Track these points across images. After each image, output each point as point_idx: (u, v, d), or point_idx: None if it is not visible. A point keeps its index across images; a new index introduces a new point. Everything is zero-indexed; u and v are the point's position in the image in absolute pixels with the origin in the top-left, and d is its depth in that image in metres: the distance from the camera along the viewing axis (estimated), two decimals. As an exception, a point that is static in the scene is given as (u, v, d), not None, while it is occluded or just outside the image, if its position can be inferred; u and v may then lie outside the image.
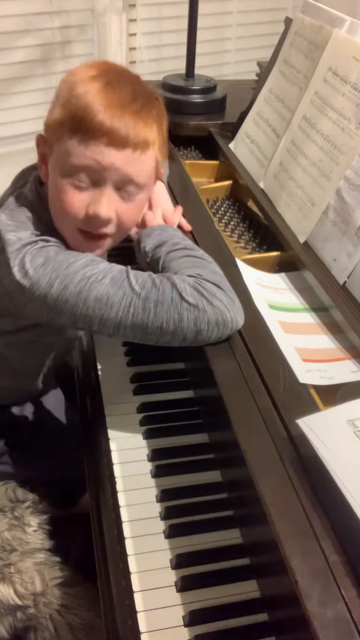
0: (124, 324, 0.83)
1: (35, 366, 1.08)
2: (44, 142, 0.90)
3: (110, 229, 0.88)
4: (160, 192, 1.08)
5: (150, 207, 1.03)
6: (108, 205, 0.85)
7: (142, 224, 1.01)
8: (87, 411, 1.05)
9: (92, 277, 0.82)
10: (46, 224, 0.90)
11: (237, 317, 0.84)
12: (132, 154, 0.83)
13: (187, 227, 1.08)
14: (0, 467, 1.10)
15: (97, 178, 0.84)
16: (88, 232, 0.88)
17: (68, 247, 0.90)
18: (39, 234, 0.87)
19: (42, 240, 0.86)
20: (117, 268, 0.85)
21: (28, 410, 1.16)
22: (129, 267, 0.86)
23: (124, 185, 0.86)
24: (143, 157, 0.85)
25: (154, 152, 0.87)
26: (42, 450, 1.15)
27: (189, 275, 0.84)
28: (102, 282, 0.82)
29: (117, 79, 0.86)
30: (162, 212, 1.04)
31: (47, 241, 0.86)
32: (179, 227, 1.06)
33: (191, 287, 0.82)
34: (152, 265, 0.93)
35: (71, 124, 0.83)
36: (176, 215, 1.06)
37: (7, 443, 1.12)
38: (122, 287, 0.82)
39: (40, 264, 0.82)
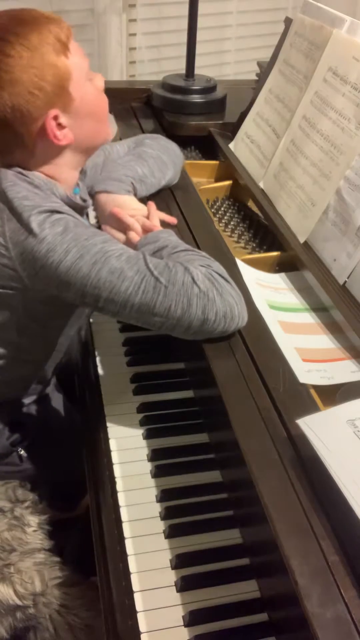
0: (132, 301, 0.83)
1: (44, 354, 1.08)
2: (54, 109, 0.88)
3: None
4: (127, 204, 1.07)
5: (127, 227, 1.03)
6: None
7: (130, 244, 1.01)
8: (87, 411, 1.05)
9: (110, 251, 0.84)
10: (53, 194, 0.92)
11: (243, 314, 0.84)
12: None
13: (172, 220, 1.08)
14: (1, 467, 1.10)
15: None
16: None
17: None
18: (54, 204, 0.89)
19: (57, 211, 0.87)
20: (132, 250, 0.87)
21: (28, 410, 1.16)
22: (143, 251, 0.88)
23: None
24: None
25: None
26: (43, 450, 1.15)
27: (201, 265, 0.85)
28: (119, 257, 0.84)
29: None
30: (139, 220, 1.03)
31: (62, 212, 0.87)
32: (165, 224, 1.05)
33: (203, 275, 0.83)
34: None
35: (60, 46, 0.88)
36: (154, 216, 1.06)
37: (12, 446, 1.12)
38: (137, 264, 0.84)
39: (59, 232, 0.84)
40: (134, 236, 1.00)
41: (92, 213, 1.17)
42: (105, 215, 1.07)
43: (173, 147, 1.22)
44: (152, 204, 1.09)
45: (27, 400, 1.13)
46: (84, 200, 1.02)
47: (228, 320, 0.82)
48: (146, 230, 1.02)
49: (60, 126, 0.89)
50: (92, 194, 1.10)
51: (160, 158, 1.16)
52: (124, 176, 1.09)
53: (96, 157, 1.15)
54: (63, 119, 0.89)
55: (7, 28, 0.85)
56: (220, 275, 0.85)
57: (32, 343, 1.03)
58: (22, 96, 0.84)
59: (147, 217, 1.06)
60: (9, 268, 0.88)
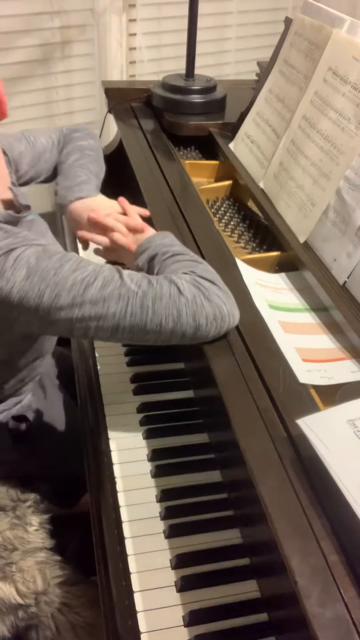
0: (122, 325, 0.81)
1: (36, 359, 1.09)
2: None
3: None
4: (100, 204, 1.06)
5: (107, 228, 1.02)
6: None
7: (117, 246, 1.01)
8: (87, 411, 1.05)
9: (85, 280, 0.80)
10: None
11: (233, 311, 0.84)
12: None
13: (145, 212, 1.07)
14: (2, 467, 1.11)
15: None
16: None
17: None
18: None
19: (10, 249, 0.81)
20: (107, 267, 0.83)
21: (29, 410, 1.16)
22: (118, 267, 0.85)
23: None
24: None
25: None
26: (43, 449, 1.15)
27: (184, 273, 0.85)
28: (95, 284, 0.80)
29: None
30: (119, 219, 1.02)
31: (15, 248, 0.81)
32: (144, 219, 1.04)
33: (188, 282, 0.83)
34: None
35: None
36: (132, 212, 1.04)
37: (8, 443, 1.12)
38: (116, 287, 0.80)
39: (24, 276, 0.79)
40: (120, 237, 0.99)
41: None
42: (83, 223, 1.05)
43: (94, 135, 1.23)
44: (123, 200, 1.07)
45: (25, 399, 1.13)
46: (27, 207, 0.97)
47: (219, 321, 0.82)
48: (132, 229, 1.01)
49: None
50: (65, 205, 1.08)
51: (98, 150, 1.17)
52: (87, 177, 1.08)
53: (18, 143, 1.13)
54: None
55: None
56: (205, 278, 0.84)
57: (23, 353, 1.03)
58: None
59: (124, 214, 1.04)
60: None
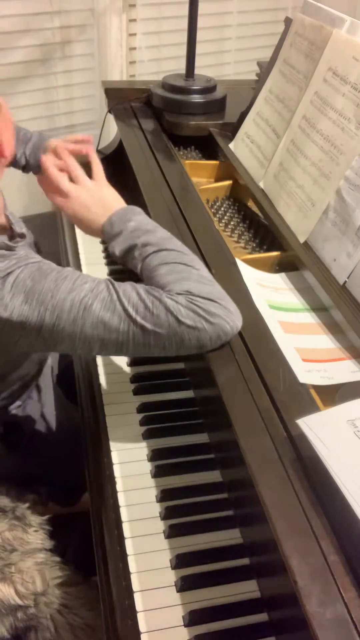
0: (126, 346, 0.81)
1: (30, 367, 1.09)
2: None
3: None
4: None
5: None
6: None
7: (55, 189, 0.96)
8: (87, 411, 1.05)
9: (82, 303, 0.79)
10: None
11: (236, 324, 0.82)
12: None
13: (86, 137, 1.07)
14: (1, 467, 1.11)
15: None
16: None
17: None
18: None
19: (7, 273, 0.80)
20: (102, 286, 0.81)
21: (29, 410, 1.16)
22: (111, 280, 0.83)
23: None
24: None
25: None
26: (43, 450, 1.16)
27: (178, 293, 0.80)
28: (93, 307, 0.79)
29: None
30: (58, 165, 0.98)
31: (11, 271, 0.80)
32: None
33: (185, 308, 0.79)
34: (130, 268, 0.91)
35: None
36: (66, 156, 0.99)
37: (8, 443, 1.12)
38: (116, 311, 0.79)
39: (22, 301, 0.79)
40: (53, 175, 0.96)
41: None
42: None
43: None
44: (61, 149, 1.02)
45: (23, 399, 1.14)
46: (21, 235, 0.96)
47: (223, 338, 0.81)
48: (63, 168, 0.97)
49: None
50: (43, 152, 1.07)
51: None
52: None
53: None
54: None
55: None
56: (201, 297, 0.80)
57: (17, 369, 1.04)
58: None
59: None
60: None
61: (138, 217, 0.92)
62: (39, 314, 0.78)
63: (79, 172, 0.97)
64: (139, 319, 0.78)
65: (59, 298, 0.78)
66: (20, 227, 0.97)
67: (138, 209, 0.95)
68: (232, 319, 0.81)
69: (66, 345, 0.81)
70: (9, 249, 0.89)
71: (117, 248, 0.90)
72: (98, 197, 0.95)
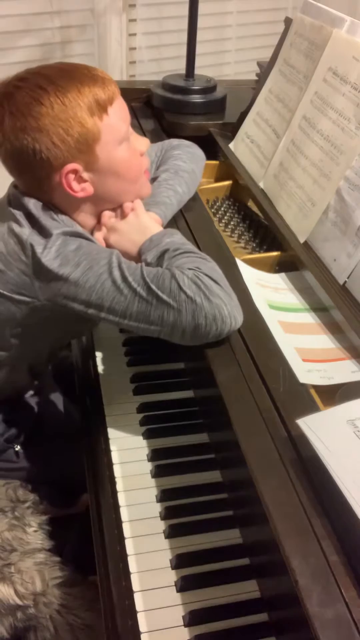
0: (130, 310, 0.86)
1: (31, 358, 1.09)
2: (74, 163, 0.90)
3: None
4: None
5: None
6: None
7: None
8: (87, 411, 1.05)
9: (114, 263, 0.87)
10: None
11: (234, 313, 0.83)
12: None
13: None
14: (1, 467, 1.10)
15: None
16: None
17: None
18: (73, 228, 0.93)
19: (78, 234, 0.92)
20: (135, 264, 0.90)
21: (28, 410, 1.16)
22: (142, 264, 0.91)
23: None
24: None
25: None
26: (43, 450, 1.15)
27: (189, 268, 0.86)
28: (120, 267, 0.87)
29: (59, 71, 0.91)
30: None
31: (81, 236, 0.92)
32: None
33: (189, 279, 0.83)
34: None
35: (96, 107, 0.88)
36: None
37: (8, 443, 1.12)
38: (133, 274, 0.86)
39: (72, 249, 0.89)
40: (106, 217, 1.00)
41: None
42: None
43: (199, 152, 1.21)
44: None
45: (22, 397, 1.14)
46: None
47: (219, 322, 0.82)
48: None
49: (81, 179, 0.91)
50: None
51: (194, 172, 1.16)
52: (167, 198, 1.08)
53: None
54: (85, 174, 0.91)
55: (50, 78, 0.88)
56: (208, 276, 0.85)
57: (23, 348, 1.03)
58: (44, 144, 0.87)
59: None
60: (25, 275, 0.90)
61: (176, 236, 0.96)
62: (77, 261, 0.88)
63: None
64: (148, 280, 0.85)
65: (100, 256, 0.89)
66: None
67: (176, 230, 0.99)
68: (231, 305, 0.84)
69: (82, 301, 0.88)
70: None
71: (150, 256, 0.93)
72: (137, 227, 0.99)
